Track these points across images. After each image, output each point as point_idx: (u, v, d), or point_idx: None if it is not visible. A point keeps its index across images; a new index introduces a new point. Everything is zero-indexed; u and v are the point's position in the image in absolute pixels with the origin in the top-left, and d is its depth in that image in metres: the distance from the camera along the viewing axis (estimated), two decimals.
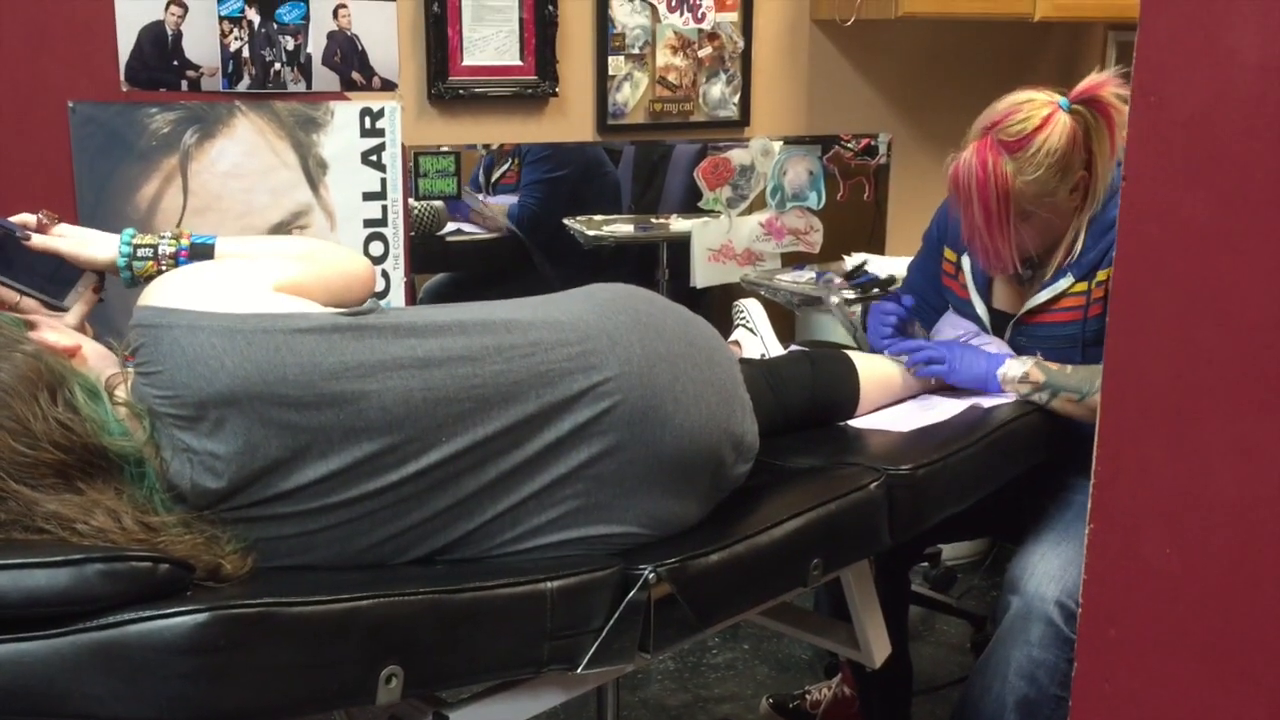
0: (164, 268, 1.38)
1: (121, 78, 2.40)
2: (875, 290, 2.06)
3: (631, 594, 1.32)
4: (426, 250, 2.94)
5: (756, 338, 2.08)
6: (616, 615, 1.31)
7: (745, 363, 1.91)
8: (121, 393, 1.22)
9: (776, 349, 2.06)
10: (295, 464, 1.22)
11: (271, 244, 1.43)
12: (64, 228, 1.41)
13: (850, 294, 2.18)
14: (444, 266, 3.18)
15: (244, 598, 1.08)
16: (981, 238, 1.89)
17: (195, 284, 1.25)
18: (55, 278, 1.42)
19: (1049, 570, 1.86)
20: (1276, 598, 0.58)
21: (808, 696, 2.43)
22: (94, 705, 1.01)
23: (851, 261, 2.86)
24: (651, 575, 1.33)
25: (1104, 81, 1.82)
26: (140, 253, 1.39)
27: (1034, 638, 1.84)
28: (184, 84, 2.46)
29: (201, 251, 1.40)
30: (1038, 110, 1.81)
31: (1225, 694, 0.61)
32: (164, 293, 1.24)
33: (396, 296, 2.74)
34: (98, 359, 1.28)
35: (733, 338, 2.12)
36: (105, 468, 1.17)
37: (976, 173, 1.82)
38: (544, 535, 1.36)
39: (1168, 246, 0.58)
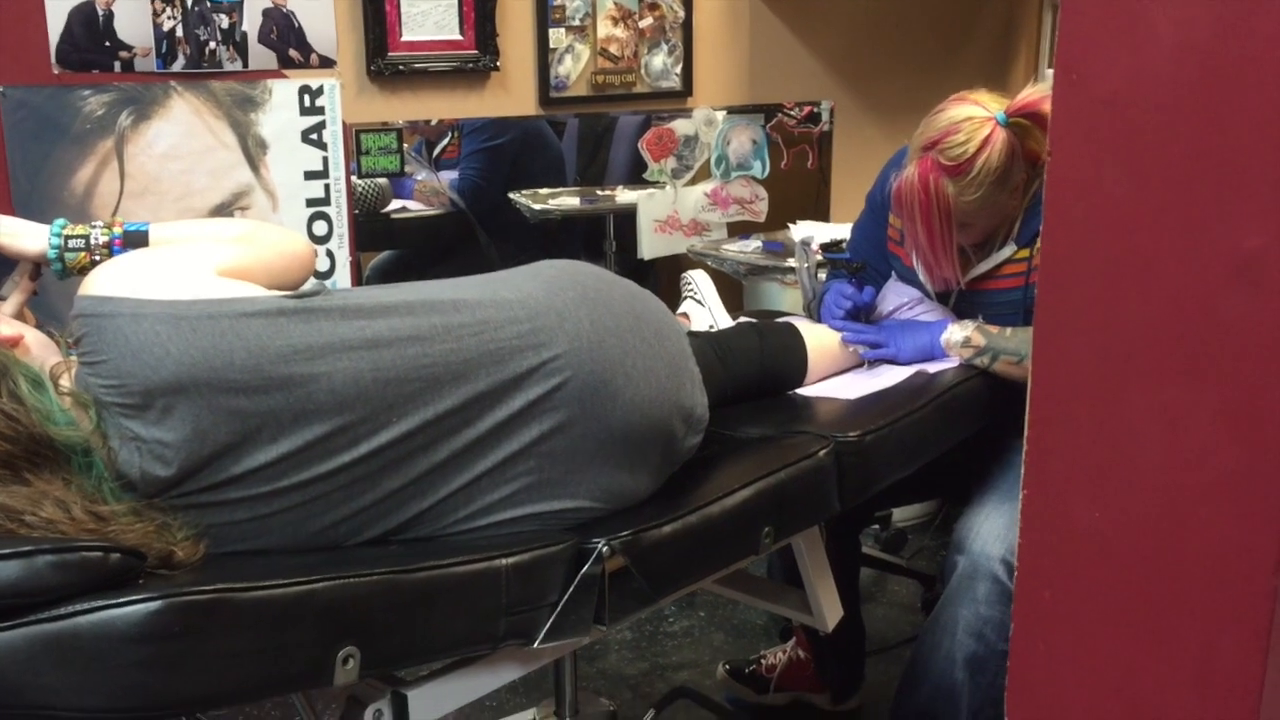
0: (97, 258, 1.37)
1: (53, 60, 2.35)
2: (842, 272, 2.10)
3: (585, 568, 1.33)
4: (371, 228, 2.93)
5: (704, 309, 2.10)
6: (571, 589, 1.32)
7: (694, 335, 1.92)
8: (66, 382, 1.21)
9: (725, 320, 2.07)
10: (245, 449, 1.21)
11: (208, 227, 1.41)
12: None
13: (820, 267, 2.20)
14: (389, 244, 3.16)
15: (197, 584, 1.08)
16: (925, 256, 1.92)
17: (137, 271, 1.24)
18: None
19: (994, 530, 1.90)
20: (1196, 559, 0.60)
21: (763, 661, 2.47)
22: (50, 696, 1.00)
23: (794, 232, 2.88)
24: (605, 549, 1.34)
25: (1043, 97, 1.84)
26: (72, 244, 1.37)
27: (980, 595, 1.87)
28: (117, 65, 2.41)
29: (135, 239, 1.38)
30: (977, 131, 1.82)
31: (1154, 652, 0.63)
32: (105, 281, 1.22)
33: (342, 276, 2.72)
34: (40, 348, 1.26)
35: (681, 310, 2.14)
36: (52, 458, 1.16)
37: (919, 195, 1.85)
38: (498, 512, 1.36)
39: (1091, 221, 0.60)
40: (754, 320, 2.02)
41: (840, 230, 2.77)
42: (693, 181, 3.12)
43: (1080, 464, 0.61)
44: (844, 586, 2.22)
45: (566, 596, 1.32)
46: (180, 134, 2.50)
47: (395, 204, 3.03)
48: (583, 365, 1.38)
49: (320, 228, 2.68)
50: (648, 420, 1.43)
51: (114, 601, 1.02)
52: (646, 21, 2.98)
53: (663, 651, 2.68)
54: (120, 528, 1.14)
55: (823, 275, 2.21)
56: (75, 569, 1.03)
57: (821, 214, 3.39)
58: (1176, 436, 0.58)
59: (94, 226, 1.40)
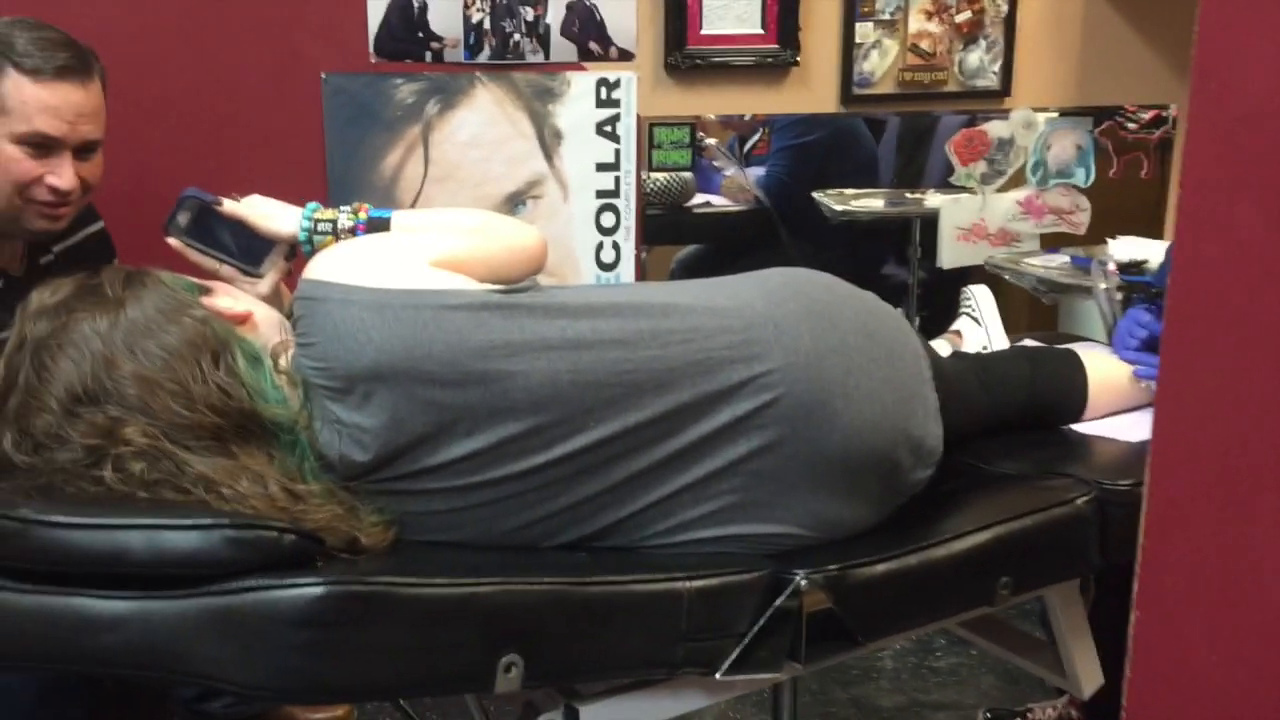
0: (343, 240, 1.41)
1: (370, 49, 2.49)
2: (1137, 295, 1.87)
3: (780, 600, 1.24)
4: (667, 222, 2.92)
5: (981, 328, 1.93)
6: (762, 621, 1.24)
7: (960, 356, 1.77)
8: (284, 361, 1.25)
9: (1001, 342, 1.90)
10: (441, 440, 1.21)
11: (444, 217, 1.43)
12: (255, 199, 1.46)
13: (1117, 289, 1.97)
14: (683, 239, 3.15)
15: (368, 574, 1.08)
16: None
17: (354, 258, 1.27)
18: (251, 247, 1.47)
19: None
20: None
21: (1030, 715, 2.26)
22: (212, 668, 1.03)
23: (1112, 249, 2.60)
24: (804, 582, 1.24)
25: None
26: (320, 227, 1.42)
27: None
28: (428, 55, 2.52)
29: (378, 225, 1.41)
30: None
31: None
32: (325, 266, 1.26)
33: (626, 269, 2.73)
34: (268, 326, 1.31)
35: (955, 326, 1.98)
36: (259, 434, 1.20)
37: None
38: (698, 529, 1.30)
39: (1224, 272, 0.45)
40: (1029, 346, 1.83)
41: (1156, 248, 2.48)
42: (1005, 188, 2.90)
43: (1197, 590, 0.47)
44: (1118, 643, 1.99)
45: (756, 628, 1.23)
46: (482, 123, 2.59)
47: (699, 199, 3.01)
48: (798, 382, 1.28)
49: (608, 219, 2.70)
50: (868, 447, 1.31)
51: (279, 583, 1.04)
52: (964, 15, 2.79)
53: (924, 687, 2.51)
54: (311, 507, 1.16)
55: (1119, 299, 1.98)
56: (249, 546, 1.06)
57: (1156, 229, 3.06)
58: None
59: (341, 211, 1.44)
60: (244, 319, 1.29)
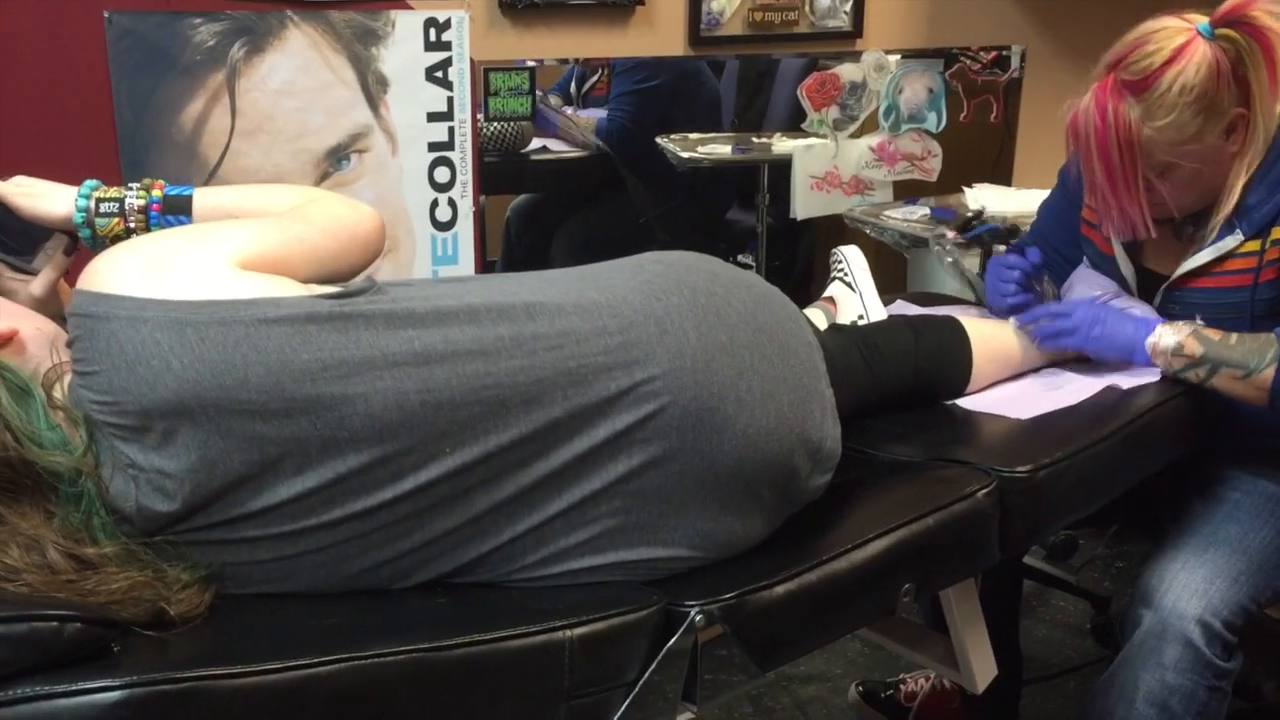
0: (133, 224, 1.17)
1: None
2: (996, 245, 1.76)
3: (673, 641, 1.08)
4: (506, 170, 2.70)
5: (855, 294, 1.80)
6: (654, 666, 1.08)
7: (838, 329, 1.64)
8: (59, 391, 1.02)
9: (878, 310, 1.77)
10: (264, 481, 1.01)
11: (257, 196, 1.20)
12: (21, 179, 1.20)
13: (959, 249, 1.87)
14: (524, 187, 2.95)
15: (179, 663, 0.88)
16: (1105, 197, 1.59)
17: (141, 261, 1.03)
18: (22, 237, 1.22)
19: (1191, 583, 1.58)
20: None
21: (903, 686, 2.19)
22: None
23: (970, 198, 2.52)
24: (699, 617, 1.09)
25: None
26: (103, 208, 1.17)
27: (1168, 660, 1.56)
28: None
29: (177, 205, 1.18)
30: (1169, 40, 1.51)
31: None
32: (104, 273, 1.02)
33: (464, 228, 2.51)
34: (37, 346, 1.06)
35: (827, 293, 1.84)
36: (32, 487, 0.97)
37: (1095, 121, 1.53)
38: (575, 559, 1.13)
39: None
40: (909, 316, 1.71)
41: (1022, 198, 2.41)
42: (857, 134, 2.78)
43: None
44: (1001, 615, 1.92)
45: (647, 675, 1.08)
46: (296, 68, 2.31)
47: (536, 143, 2.80)
48: (685, 389, 1.12)
49: (442, 174, 2.47)
50: (763, 455, 1.16)
51: (64, 689, 0.83)
52: None
53: None
54: (105, 576, 0.94)
55: (973, 264, 1.87)
56: (22, 644, 0.84)
57: (1003, 176, 3.01)
58: None
59: (129, 189, 1.20)
60: (7, 339, 1.04)
